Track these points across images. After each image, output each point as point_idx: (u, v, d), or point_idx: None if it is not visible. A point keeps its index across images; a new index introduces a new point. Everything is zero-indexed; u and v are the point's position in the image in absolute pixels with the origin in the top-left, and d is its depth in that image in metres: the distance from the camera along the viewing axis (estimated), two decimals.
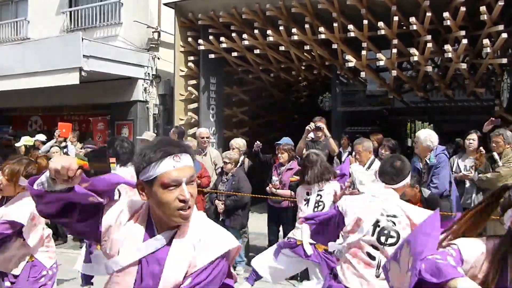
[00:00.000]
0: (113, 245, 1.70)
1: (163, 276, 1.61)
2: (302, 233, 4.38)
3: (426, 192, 5.13)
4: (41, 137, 8.44)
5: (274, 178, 6.40)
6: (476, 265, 1.71)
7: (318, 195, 4.55)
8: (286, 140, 6.70)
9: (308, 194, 4.62)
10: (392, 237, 2.84)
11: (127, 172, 4.36)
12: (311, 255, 4.30)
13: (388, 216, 2.87)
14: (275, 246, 4.77)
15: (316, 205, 4.52)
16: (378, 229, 2.86)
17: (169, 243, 1.67)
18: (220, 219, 6.23)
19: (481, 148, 5.97)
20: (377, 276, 2.82)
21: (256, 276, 4.68)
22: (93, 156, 1.68)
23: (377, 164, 5.66)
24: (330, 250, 3.44)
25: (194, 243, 1.66)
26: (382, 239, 2.85)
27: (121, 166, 4.15)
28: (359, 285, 2.86)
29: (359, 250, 2.91)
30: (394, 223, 2.86)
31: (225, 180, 6.42)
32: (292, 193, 5.97)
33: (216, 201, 6.36)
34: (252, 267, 4.71)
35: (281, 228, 6.57)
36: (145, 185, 1.66)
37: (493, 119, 5.99)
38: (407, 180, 3.07)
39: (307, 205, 4.57)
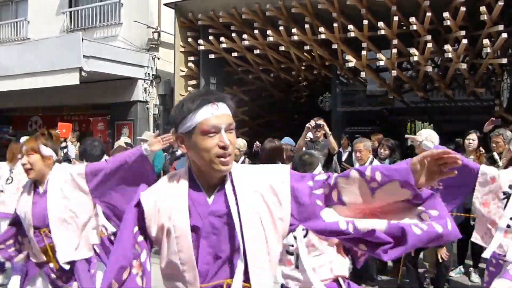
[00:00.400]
0: (155, 230, 1.64)
1: (245, 232, 1.58)
2: None
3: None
4: None
5: None
6: None
7: None
8: (286, 140, 6.69)
9: None
10: None
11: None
12: None
13: None
14: None
15: None
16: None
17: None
18: None
19: (481, 148, 5.97)
20: None
21: None
22: None
23: (376, 163, 5.67)
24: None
25: (257, 179, 1.66)
26: None
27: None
28: None
29: None
30: None
31: None
32: None
33: None
34: None
35: None
36: (184, 136, 1.63)
37: (494, 119, 5.99)
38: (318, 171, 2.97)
39: None
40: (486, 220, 3.48)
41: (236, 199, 1.61)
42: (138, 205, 1.66)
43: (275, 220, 1.62)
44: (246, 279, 1.59)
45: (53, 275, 2.98)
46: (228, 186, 1.63)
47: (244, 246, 1.57)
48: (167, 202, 1.63)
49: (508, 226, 3.27)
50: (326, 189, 1.61)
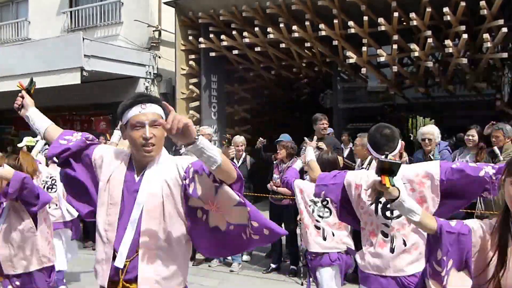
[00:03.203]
0: (102, 175, 2.20)
1: (137, 198, 2.06)
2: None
3: None
4: None
5: (275, 176, 6.39)
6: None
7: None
8: (284, 137, 6.70)
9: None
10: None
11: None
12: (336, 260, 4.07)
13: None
14: None
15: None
16: (380, 205, 2.74)
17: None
18: None
19: (481, 143, 5.98)
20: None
21: None
22: None
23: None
24: None
25: (165, 175, 2.10)
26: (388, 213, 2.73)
27: None
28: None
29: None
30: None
31: None
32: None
33: None
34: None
35: (283, 226, 6.58)
36: (123, 127, 2.18)
37: (494, 122, 6.00)
38: (399, 146, 2.85)
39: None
40: None
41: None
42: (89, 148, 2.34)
43: (176, 206, 2.09)
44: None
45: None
46: (149, 170, 2.11)
47: (140, 220, 2.05)
48: (110, 171, 2.17)
49: None
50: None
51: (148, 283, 2.01)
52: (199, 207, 2.05)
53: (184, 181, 2.04)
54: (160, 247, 2.04)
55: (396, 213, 2.69)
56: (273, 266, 6.44)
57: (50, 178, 5.41)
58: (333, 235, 4.00)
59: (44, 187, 5.16)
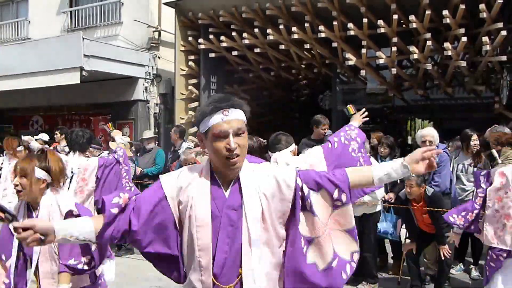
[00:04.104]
0: (182, 212, 1.88)
1: (247, 218, 1.82)
2: None
3: (430, 191, 5.16)
4: (44, 136, 8.42)
5: None
6: None
7: None
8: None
9: None
10: None
11: (81, 160, 4.73)
12: None
13: None
14: None
15: None
16: None
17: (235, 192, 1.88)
18: None
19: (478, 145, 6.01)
20: None
21: None
22: None
23: (373, 162, 5.67)
24: None
25: (257, 184, 1.88)
26: None
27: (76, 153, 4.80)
28: None
29: None
30: None
31: None
32: None
33: None
34: None
35: None
36: (202, 136, 1.90)
37: (497, 125, 6.02)
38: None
39: None
40: (501, 216, 3.58)
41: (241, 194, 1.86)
42: (159, 189, 1.91)
43: (274, 216, 1.86)
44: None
45: None
46: (242, 181, 1.87)
47: (250, 237, 1.81)
48: (190, 191, 1.87)
49: None
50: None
51: None
52: (304, 236, 1.86)
53: (295, 196, 1.85)
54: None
55: None
56: None
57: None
58: None
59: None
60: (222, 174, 1.89)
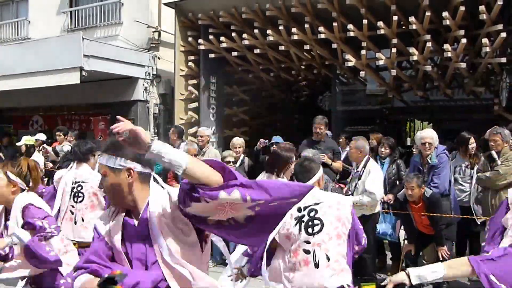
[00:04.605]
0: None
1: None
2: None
3: (428, 192, 5.18)
4: (41, 136, 8.44)
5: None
6: None
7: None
8: (276, 139, 6.69)
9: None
10: (316, 225, 2.94)
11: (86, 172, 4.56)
12: None
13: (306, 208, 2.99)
14: None
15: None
16: (303, 224, 2.97)
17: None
18: None
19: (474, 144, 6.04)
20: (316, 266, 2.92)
21: None
22: None
23: (371, 164, 5.67)
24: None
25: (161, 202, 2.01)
26: (310, 230, 2.95)
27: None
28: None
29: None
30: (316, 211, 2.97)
31: None
32: None
33: None
34: None
35: None
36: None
37: (496, 126, 6.04)
38: (317, 177, 3.22)
39: None
40: None
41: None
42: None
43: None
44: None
45: None
46: (147, 212, 1.98)
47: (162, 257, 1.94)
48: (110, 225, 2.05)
49: None
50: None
51: None
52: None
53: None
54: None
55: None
56: None
57: (76, 183, 4.42)
58: None
59: (71, 196, 4.39)
60: None
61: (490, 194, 5.43)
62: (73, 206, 4.31)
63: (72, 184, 4.39)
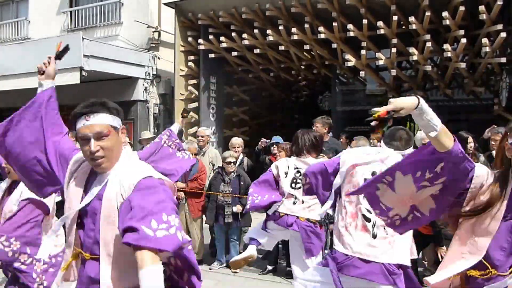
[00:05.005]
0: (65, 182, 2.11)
1: (102, 210, 1.94)
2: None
3: None
4: None
5: None
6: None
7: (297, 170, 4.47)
8: (276, 139, 6.69)
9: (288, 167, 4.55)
10: None
11: None
12: (292, 225, 4.38)
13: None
14: (262, 220, 4.76)
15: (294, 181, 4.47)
16: None
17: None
18: (227, 221, 6.15)
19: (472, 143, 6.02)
20: (374, 237, 2.91)
21: (255, 243, 4.68)
22: None
23: None
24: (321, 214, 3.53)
25: (121, 179, 1.96)
26: None
27: None
28: (360, 247, 2.93)
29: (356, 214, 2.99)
30: None
31: (228, 180, 6.23)
32: None
33: (238, 206, 6.10)
34: (248, 237, 4.70)
35: None
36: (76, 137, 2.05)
37: (495, 126, 6.03)
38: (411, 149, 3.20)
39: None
40: None
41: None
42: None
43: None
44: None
45: None
46: (108, 180, 1.97)
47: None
48: (73, 180, 2.07)
49: None
50: None
51: None
52: None
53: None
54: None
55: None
56: (269, 267, 6.44)
57: None
58: None
59: None
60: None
61: None
62: None
63: None
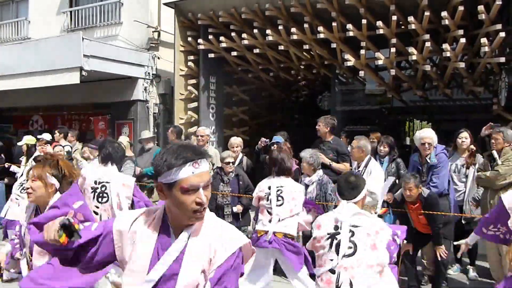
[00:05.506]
0: (124, 251, 1.82)
1: (181, 274, 1.73)
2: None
3: (426, 192, 5.18)
4: (47, 136, 8.40)
5: None
6: None
7: (278, 189, 4.66)
8: (277, 138, 6.69)
9: (269, 188, 4.71)
10: (349, 247, 2.88)
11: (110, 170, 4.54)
12: (272, 242, 4.46)
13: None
14: None
15: (277, 199, 4.62)
16: (335, 241, 2.92)
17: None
18: (227, 221, 6.15)
19: (472, 146, 6.02)
20: None
21: None
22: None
23: (373, 163, 5.70)
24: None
25: (210, 241, 1.77)
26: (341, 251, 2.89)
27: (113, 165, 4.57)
28: None
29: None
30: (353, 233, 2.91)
31: (227, 180, 6.24)
32: None
33: (238, 206, 6.14)
34: None
35: None
36: (164, 186, 1.76)
37: (491, 123, 6.03)
38: (363, 194, 3.14)
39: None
40: None
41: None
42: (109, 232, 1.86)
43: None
44: None
45: None
46: (194, 235, 1.78)
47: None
48: (138, 237, 1.80)
49: None
50: None
51: None
52: None
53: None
54: None
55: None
56: None
57: (100, 184, 4.47)
58: None
59: (93, 196, 4.44)
60: (178, 223, 1.80)
61: (489, 193, 5.43)
62: (97, 207, 4.35)
63: (96, 184, 4.43)
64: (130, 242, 1.80)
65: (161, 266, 1.74)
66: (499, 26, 7.09)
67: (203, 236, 1.79)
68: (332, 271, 2.87)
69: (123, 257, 1.82)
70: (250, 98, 11.59)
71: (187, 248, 1.76)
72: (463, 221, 5.87)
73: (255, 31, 9.06)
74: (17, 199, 5.26)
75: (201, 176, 1.74)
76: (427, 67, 8.16)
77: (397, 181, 6.17)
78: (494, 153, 5.54)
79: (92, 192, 4.40)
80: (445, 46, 7.55)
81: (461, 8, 7.19)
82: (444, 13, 7.32)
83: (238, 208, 6.15)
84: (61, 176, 3.06)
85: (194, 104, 10.41)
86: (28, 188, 2.97)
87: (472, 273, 5.92)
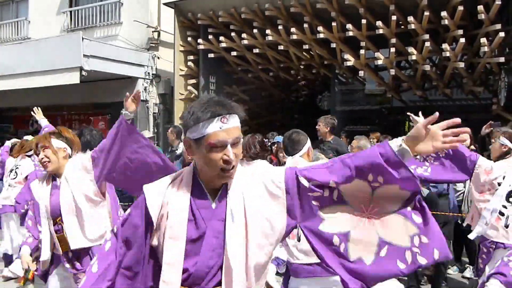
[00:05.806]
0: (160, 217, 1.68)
1: (227, 232, 1.62)
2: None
3: (425, 192, 5.18)
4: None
5: None
6: None
7: None
8: (278, 139, 6.71)
9: None
10: None
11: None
12: None
13: None
14: None
15: None
16: None
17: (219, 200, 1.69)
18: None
19: (472, 146, 6.00)
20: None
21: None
22: None
23: None
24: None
25: (243, 190, 1.69)
26: None
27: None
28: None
29: None
30: None
31: None
32: None
33: None
34: None
35: None
36: (192, 142, 1.66)
37: (492, 122, 6.03)
38: (305, 149, 3.30)
39: None
40: (479, 205, 3.82)
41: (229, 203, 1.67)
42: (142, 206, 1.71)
43: (270, 224, 1.65)
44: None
45: (67, 264, 3.12)
46: (231, 191, 1.68)
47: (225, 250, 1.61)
48: (170, 204, 1.66)
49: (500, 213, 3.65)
50: (326, 191, 1.66)
51: None
52: (336, 233, 1.66)
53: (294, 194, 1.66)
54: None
55: None
56: None
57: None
58: None
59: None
60: (209, 182, 1.70)
61: None
62: None
63: None
64: (165, 216, 1.66)
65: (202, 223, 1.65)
66: (498, 26, 7.10)
67: (238, 188, 1.69)
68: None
69: (160, 233, 1.67)
70: (250, 98, 11.58)
71: (228, 204, 1.66)
72: (461, 222, 5.86)
73: (255, 31, 9.06)
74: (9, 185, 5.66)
75: (230, 132, 1.62)
76: (427, 67, 8.16)
77: None
78: None
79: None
80: (445, 46, 7.55)
81: (460, 8, 7.20)
82: (443, 13, 7.33)
83: None
84: (65, 138, 3.22)
85: None
86: (42, 158, 3.08)
87: (471, 273, 5.92)
